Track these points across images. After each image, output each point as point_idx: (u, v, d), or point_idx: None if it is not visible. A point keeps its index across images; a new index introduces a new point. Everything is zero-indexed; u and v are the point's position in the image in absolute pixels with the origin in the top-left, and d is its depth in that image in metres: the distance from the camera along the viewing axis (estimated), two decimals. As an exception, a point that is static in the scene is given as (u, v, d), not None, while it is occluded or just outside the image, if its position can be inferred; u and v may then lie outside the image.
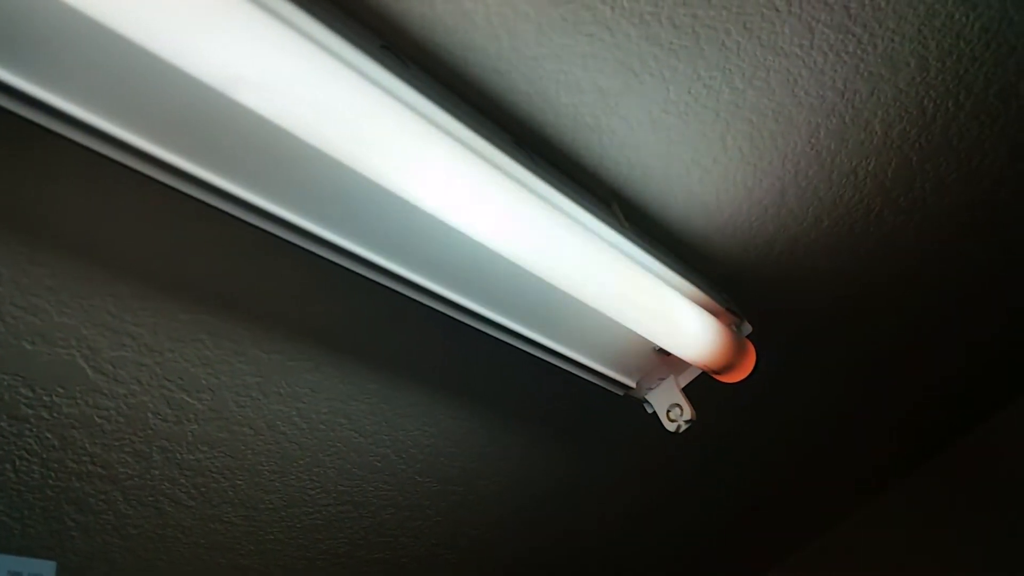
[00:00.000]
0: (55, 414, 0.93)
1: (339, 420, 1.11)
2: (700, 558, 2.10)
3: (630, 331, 0.97)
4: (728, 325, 1.09)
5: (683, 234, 1.09)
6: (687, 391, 1.12)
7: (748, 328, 1.11)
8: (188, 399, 0.99)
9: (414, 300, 0.90)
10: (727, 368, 1.03)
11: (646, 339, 0.99)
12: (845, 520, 2.24)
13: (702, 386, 1.10)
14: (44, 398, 0.91)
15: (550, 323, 1.01)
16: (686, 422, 1.09)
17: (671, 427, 1.10)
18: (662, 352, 1.08)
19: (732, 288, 1.18)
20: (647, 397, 1.15)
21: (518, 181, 0.81)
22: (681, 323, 0.96)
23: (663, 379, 1.14)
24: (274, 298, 0.95)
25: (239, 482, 1.12)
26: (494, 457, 1.31)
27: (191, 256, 0.87)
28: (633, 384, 1.12)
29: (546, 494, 1.46)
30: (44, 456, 0.96)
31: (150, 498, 1.08)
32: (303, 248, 0.80)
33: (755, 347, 1.05)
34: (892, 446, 2.07)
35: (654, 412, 1.14)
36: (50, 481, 0.99)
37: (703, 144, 0.98)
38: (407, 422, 1.16)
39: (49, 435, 0.94)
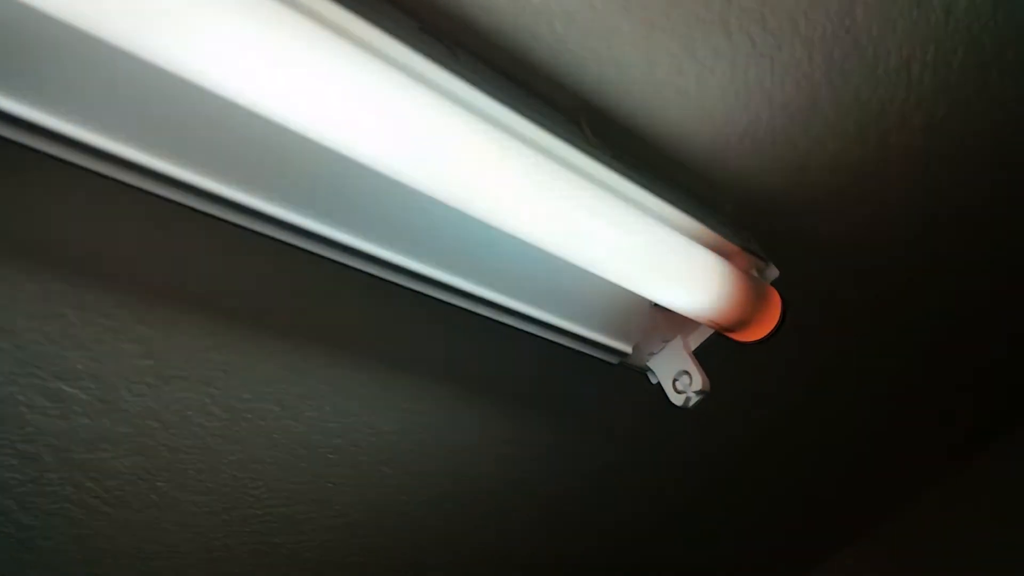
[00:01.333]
0: None
1: (269, 407, 0.91)
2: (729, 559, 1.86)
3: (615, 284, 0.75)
4: (746, 269, 0.85)
5: (680, 155, 0.85)
6: (701, 354, 0.89)
7: (774, 273, 0.86)
8: (67, 388, 0.80)
9: (332, 260, 0.69)
10: (741, 324, 0.79)
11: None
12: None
13: (724, 346, 0.87)
14: None
15: (509, 278, 0.79)
16: (696, 394, 0.86)
17: (678, 400, 0.87)
18: (663, 307, 0.85)
19: (752, 223, 0.94)
20: (649, 364, 0.92)
21: (440, 90, 0.59)
22: (677, 269, 0.72)
23: (668, 341, 0.91)
24: (155, 262, 0.75)
25: (160, 483, 0.94)
26: (475, 447, 1.10)
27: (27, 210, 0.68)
28: (629, 349, 0.90)
29: (540, 484, 1.25)
30: None
31: (54, 505, 0.91)
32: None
33: (782, 297, 0.81)
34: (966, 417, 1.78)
35: (659, 383, 0.91)
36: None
37: (698, 29, 0.73)
38: (358, 406, 0.96)
39: None
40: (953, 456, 1.92)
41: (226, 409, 0.88)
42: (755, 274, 0.85)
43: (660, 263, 0.71)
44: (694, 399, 0.86)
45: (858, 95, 0.86)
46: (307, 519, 1.08)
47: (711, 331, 0.87)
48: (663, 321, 0.88)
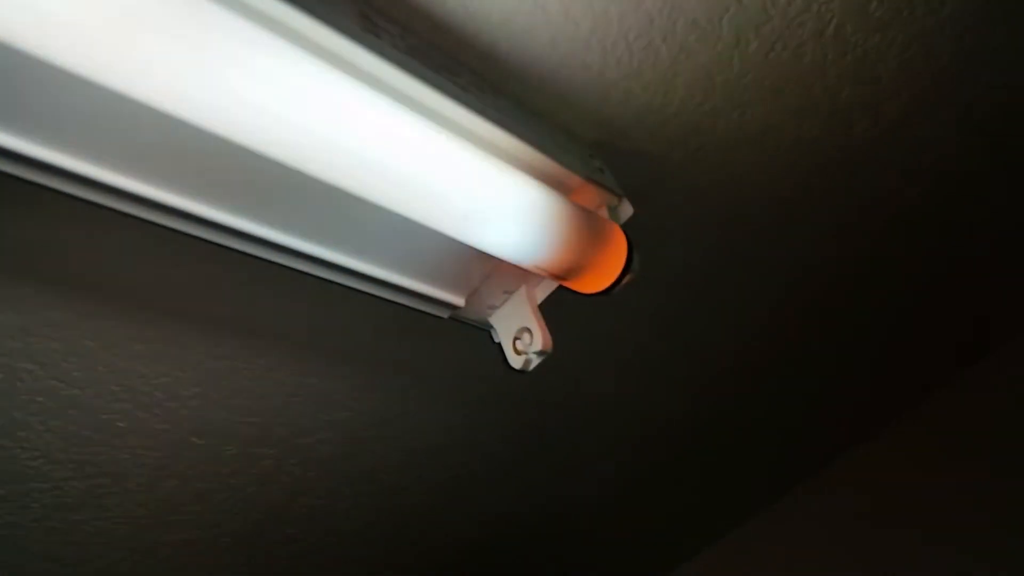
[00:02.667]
0: None
1: (23, 365, 0.74)
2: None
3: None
4: (596, 206, 0.70)
5: (500, 52, 0.68)
6: (548, 307, 0.74)
7: (628, 211, 0.71)
8: None
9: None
10: (574, 271, 0.64)
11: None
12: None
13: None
14: None
15: (303, 219, 0.63)
16: (537, 354, 0.71)
17: (516, 362, 0.73)
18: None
19: (610, 153, 0.79)
20: (490, 320, 0.77)
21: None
22: (483, 204, 0.57)
23: (511, 293, 0.76)
24: None
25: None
26: (281, 410, 0.94)
27: None
28: (460, 301, 0.74)
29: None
30: None
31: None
32: None
33: (629, 239, 0.66)
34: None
35: (500, 343, 0.76)
36: None
37: None
38: (142, 367, 0.80)
39: None
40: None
41: (-39, 368, 0.72)
42: (605, 212, 0.70)
43: (460, 196, 0.56)
44: (534, 360, 0.72)
45: (740, -3, 0.70)
46: (112, 493, 0.92)
47: (558, 281, 0.72)
48: (504, 269, 0.73)
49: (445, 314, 0.75)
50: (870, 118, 0.88)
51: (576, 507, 1.47)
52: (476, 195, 0.57)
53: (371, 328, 0.87)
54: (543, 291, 0.75)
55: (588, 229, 0.63)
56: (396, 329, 0.88)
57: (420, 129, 0.54)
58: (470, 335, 0.80)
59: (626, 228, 0.67)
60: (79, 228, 0.67)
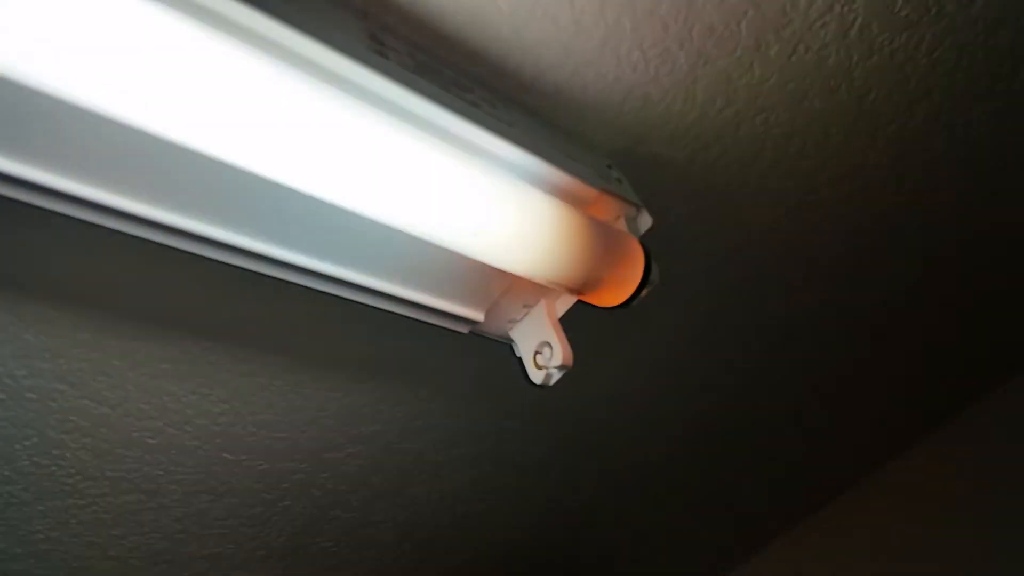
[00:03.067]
0: None
1: (55, 386, 0.76)
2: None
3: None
4: (614, 217, 0.69)
5: (511, 65, 0.68)
6: (569, 320, 0.73)
7: (647, 221, 0.70)
8: None
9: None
10: (590, 285, 0.63)
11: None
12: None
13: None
14: None
15: (323, 241, 0.63)
16: (557, 369, 0.70)
17: (536, 377, 0.72)
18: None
19: (630, 161, 0.78)
20: (511, 334, 0.77)
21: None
22: (485, 219, 0.56)
23: (530, 307, 0.75)
24: None
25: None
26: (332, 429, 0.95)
27: None
28: (480, 316, 0.74)
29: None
30: None
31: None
32: None
33: (646, 250, 0.65)
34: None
35: (521, 357, 0.76)
36: None
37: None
38: (172, 385, 0.81)
39: None
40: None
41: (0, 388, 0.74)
42: (623, 223, 0.69)
43: (468, 213, 0.55)
44: (555, 375, 0.71)
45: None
46: (144, 509, 0.94)
47: (577, 293, 0.71)
48: (523, 283, 0.73)
49: (465, 329, 0.75)
50: (900, 120, 0.86)
51: (608, 514, 1.46)
52: (485, 212, 0.56)
53: (392, 343, 0.87)
54: (563, 304, 0.74)
55: (602, 243, 0.62)
56: (418, 343, 0.88)
57: (427, 148, 0.54)
58: (492, 347, 0.79)
59: (645, 239, 0.66)
60: (105, 252, 0.68)
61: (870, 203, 0.97)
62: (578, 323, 0.73)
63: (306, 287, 0.65)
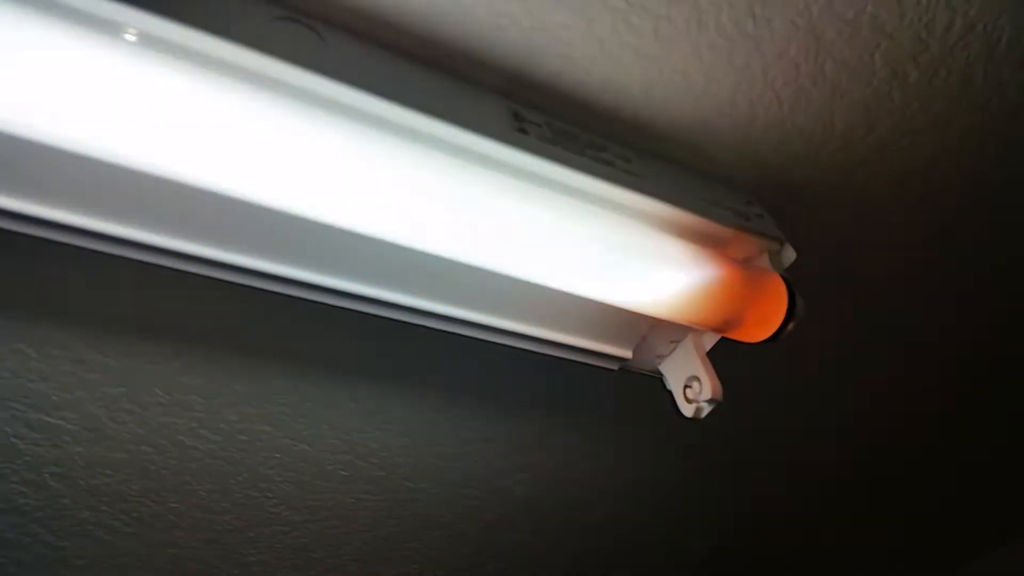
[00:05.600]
0: None
1: (260, 427, 0.88)
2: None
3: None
4: (756, 254, 0.72)
5: (644, 120, 0.71)
6: (717, 355, 0.76)
7: (791, 255, 0.72)
8: (49, 419, 0.81)
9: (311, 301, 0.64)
10: (731, 323, 0.66)
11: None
12: None
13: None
14: None
15: (473, 292, 0.70)
16: (707, 402, 0.73)
17: (687, 411, 0.75)
18: (659, 305, 0.73)
19: (766, 194, 0.80)
20: (660, 368, 0.80)
21: (300, 95, 0.51)
22: (621, 267, 0.61)
23: (677, 342, 0.78)
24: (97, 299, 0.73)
25: (173, 504, 0.93)
26: (496, 457, 1.02)
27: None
28: (628, 353, 0.78)
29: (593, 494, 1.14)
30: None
31: (76, 527, 0.93)
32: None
33: (788, 284, 0.67)
34: None
35: (671, 391, 0.79)
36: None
37: (646, -24, 0.61)
38: (358, 422, 0.91)
39: None
40: None
41: (215, 431, 0.86)
42: (766, 259, 0.71)
43: (606, 264, 0.60)
44: (706, 409, 0.74)
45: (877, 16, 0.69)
46: (342, 534, 1.05)
47: (723, 329, 0.74)
48: (668, 320, 0.76)
49: (615, 367, 0.79)
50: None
51: (779, 530, 1.44)
52: (621, 263, 0.61)
53: (551, 379, 0.93)
54: (710, 339, 0.77)
55: (741, 283, 0.64)
56: (572, 378, 0.93)
57: (566, 210, 0.59)
58: (643, 378, 0.83)
59: (788, 273, 0.68)
60: (303, 319, 0.78)
61: None
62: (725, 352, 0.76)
63: (479, 339, 0.73)
